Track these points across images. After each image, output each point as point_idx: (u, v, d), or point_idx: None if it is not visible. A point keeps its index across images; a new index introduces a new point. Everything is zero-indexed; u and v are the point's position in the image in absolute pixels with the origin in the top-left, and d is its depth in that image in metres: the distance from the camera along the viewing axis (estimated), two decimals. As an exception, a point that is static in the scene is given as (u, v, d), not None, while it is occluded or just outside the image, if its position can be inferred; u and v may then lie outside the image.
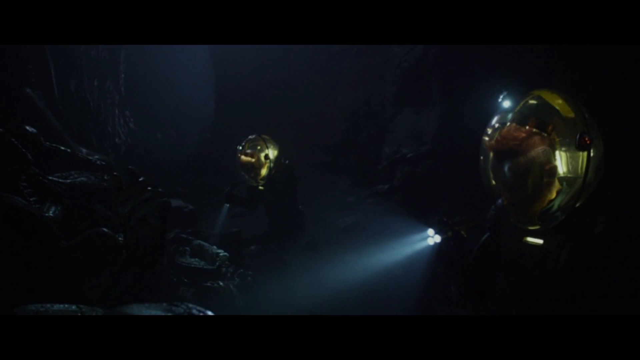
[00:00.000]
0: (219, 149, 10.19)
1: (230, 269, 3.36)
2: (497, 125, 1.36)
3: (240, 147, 3.66)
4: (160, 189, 1.07)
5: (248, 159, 3.63)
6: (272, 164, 3.63)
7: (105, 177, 3.42)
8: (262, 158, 3.61)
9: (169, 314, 0.55)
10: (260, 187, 3.73)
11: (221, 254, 3.45)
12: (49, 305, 0.84)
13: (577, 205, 1.23)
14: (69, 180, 3.02)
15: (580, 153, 1.21)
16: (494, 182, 1.44)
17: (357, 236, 5.63)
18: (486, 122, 1.42)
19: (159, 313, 0.56)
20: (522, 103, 1.34)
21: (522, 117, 1.30)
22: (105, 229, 1.66)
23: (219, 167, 8.66)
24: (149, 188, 1.04)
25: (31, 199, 2.43)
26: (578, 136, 1.18)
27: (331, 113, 9.58)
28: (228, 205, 4.00)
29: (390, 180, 7.16)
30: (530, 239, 1.40)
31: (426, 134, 6.86)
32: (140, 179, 1.05)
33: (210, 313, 0.60)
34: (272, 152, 3.64)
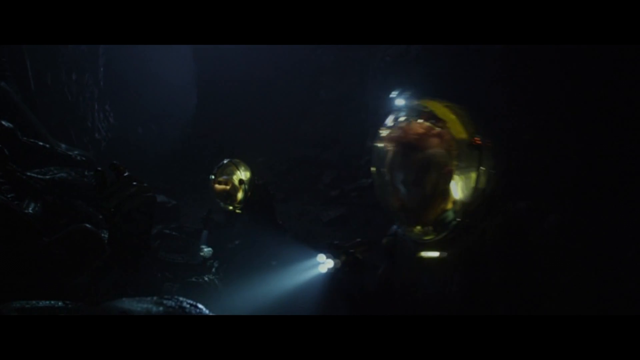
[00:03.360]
0: (201, 144, 10.10)
1: (215, 264, 3.35)
2: (393, 122, 1.32)
3: (213, 176, 3.60)
4: (145, 184, 1.06)
5: (223, 187, 3.55)
6: (247, 186, 3.60)
7: (86, 173, 3.37)
8: (237, 183, 3.57)
9: (161, 308, 0.55)
10: (238, 211, 3.69)
11: (205, 249, 3.45)
12: (34, 302, 0.82)
13: (471, 211, 1.21)
14: (48, 176, 2.97)
15: (473, 174, 1.20)
16: (389, 188, 1.34)
17: (341, 230, 5.65)
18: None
19: (150, 306, 0.56)
20: (415, 105, 1.31)
21: (416, 112, 1.27)
22: (88, 225, 1.64)
23: (201, 162, 8.58)
24: (134, 183, 1.04)
25: (9, 196, 2.38)
26: (469, 136, 1.19)
27: (314, 107, 9.56)
28: (207, 231, 3.89)
29: (374, 173, 7.19)
30: (425, 253, 1.30)
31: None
32: (125, 174, 1.04)
33: (200, 305, 0.60)
34: (245, 175, 3.60)
